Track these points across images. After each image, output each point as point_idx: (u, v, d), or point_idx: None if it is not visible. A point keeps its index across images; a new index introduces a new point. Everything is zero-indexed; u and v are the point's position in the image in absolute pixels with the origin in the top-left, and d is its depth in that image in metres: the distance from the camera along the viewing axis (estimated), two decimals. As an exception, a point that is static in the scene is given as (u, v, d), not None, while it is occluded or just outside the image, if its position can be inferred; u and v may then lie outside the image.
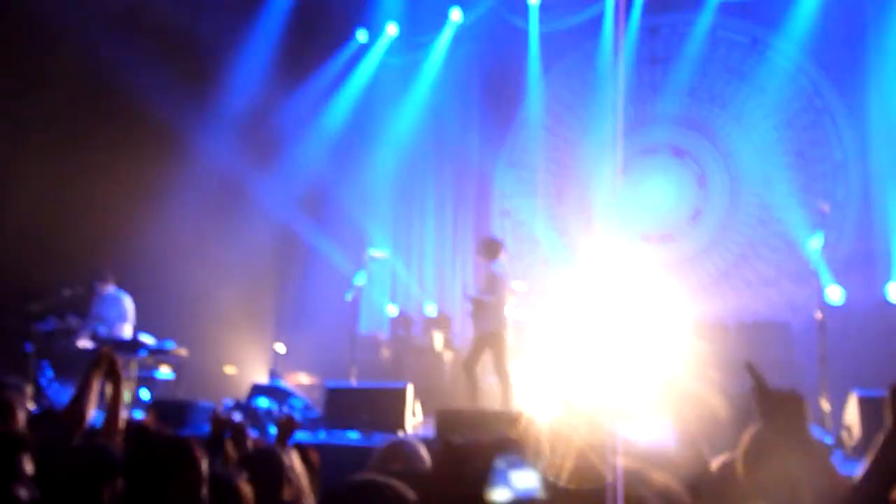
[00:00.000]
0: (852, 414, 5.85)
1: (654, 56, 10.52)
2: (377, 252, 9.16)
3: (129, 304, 8.94)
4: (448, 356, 9.64)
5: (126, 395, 8.27)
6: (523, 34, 10.95)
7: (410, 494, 2.09)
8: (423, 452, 3.49)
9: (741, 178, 10.01)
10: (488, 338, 7.70)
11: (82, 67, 9.50)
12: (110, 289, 8.93)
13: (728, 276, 9.93)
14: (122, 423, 3.96)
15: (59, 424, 3.87)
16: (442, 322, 10.07)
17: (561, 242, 10.61)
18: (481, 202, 11.41)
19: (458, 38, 11.27)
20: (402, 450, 3.51)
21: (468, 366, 7.78)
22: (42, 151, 9.71)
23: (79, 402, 3.90)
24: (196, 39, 10.65)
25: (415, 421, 7.16)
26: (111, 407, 3.98)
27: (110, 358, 4.00)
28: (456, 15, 11.18)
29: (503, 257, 7.95)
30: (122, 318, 8.83)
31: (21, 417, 3.62)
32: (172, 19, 10.54)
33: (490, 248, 7.92)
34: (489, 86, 11.17)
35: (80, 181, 9.58)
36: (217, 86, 10.74)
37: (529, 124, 11.12)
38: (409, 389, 7.20)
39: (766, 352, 8.68)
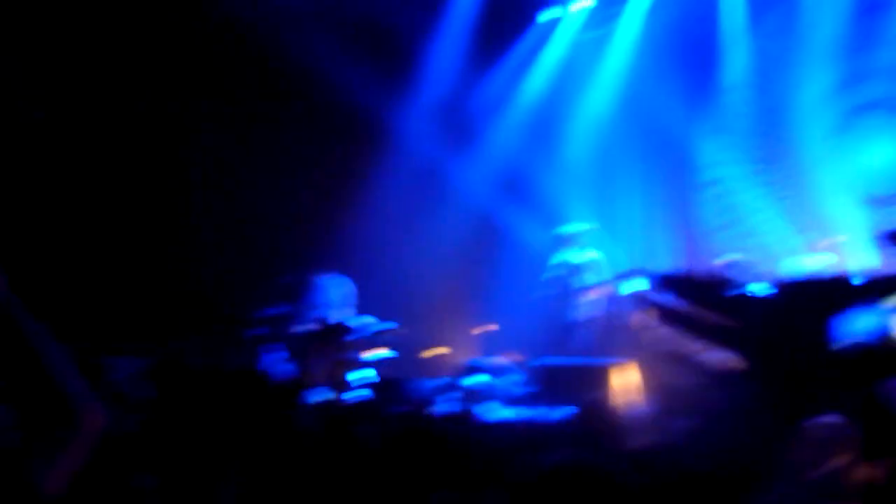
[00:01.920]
0: None
1: (870, 2, 9.75)
2: (575, 228, 9.10)
3: (349, 288, 9.36)
4: (664, 330, 9.40)
5: (353, 375, 8.70)
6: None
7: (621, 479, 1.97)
8: None
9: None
10: None
11: (285, 67, 10.01)
12: (330, 275, 9.38)
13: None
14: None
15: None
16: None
17: (774, 210, 10.08)
18: (687, 172, 11.04)
19: (652, 5, 10.96)
20: None
21: None
22: (250, 148, 10.35)
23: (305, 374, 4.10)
24: (390, 30, 10.99)
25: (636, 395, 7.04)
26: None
27: (331, 337, 4.16)
28: (650, -19, 10.88)
29: None
30: (343, 302, 9.26)
31: None
32: (368, 13, 10.94)
33: None
34: (689, 51, 10.74)
35: (293, 176, 10.15)
36: (413, 74, 11.05)
37: (734, 87, 10.62)
38: (629, 364, 7.11)
39: None
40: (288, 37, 9.96)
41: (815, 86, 9.87)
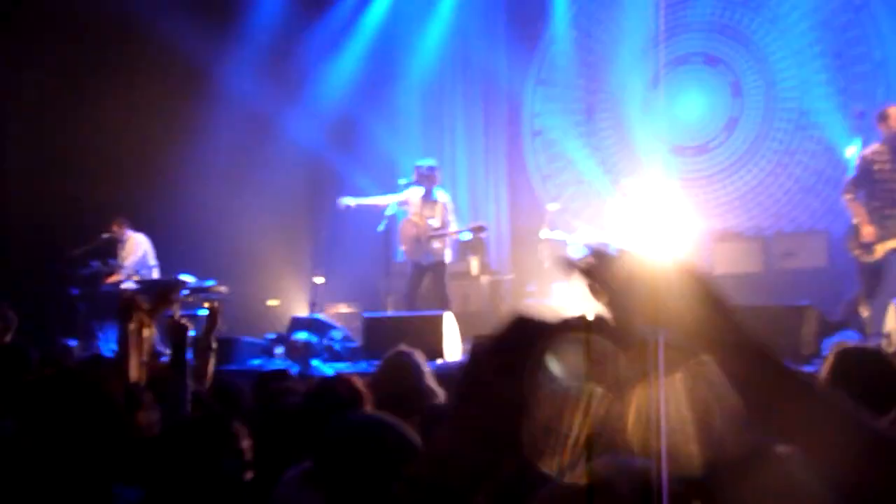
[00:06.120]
0: (892, 321, 5.79)
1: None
2: (406, 180, 8.94)
3: (147, 245, 9.14)
4: (485, 280, 9.65)
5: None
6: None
7: (415, 438, 2.01)
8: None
9: (777, 83, 9.71)
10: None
11: (106, 10, 9.49)
12: (128, 233, 9.12)
13: (766, 184, 9.74)
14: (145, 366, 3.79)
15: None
16: (477, 246, 10.04)
17: (594, 160, 10.46)
18: (512, 123, 11.26)
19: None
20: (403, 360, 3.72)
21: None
22: (73, 96, 9.77)
23: (120, 356, 3.77)
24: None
25: (454, 347, 7.20)
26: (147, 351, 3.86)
27: (135, 303, 3.85)
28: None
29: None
30: (152, 258, 9.06)
31: None
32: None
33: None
34: (514, 3, 10.91)
35: (112, 124, 9.67)
36: (240, 20, 10.68)
37: (557, 41, 10.86)
38: (448, 317, 7.22)
39: (806, 260, 8.58)
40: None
41: (632, 41, 10.21)
